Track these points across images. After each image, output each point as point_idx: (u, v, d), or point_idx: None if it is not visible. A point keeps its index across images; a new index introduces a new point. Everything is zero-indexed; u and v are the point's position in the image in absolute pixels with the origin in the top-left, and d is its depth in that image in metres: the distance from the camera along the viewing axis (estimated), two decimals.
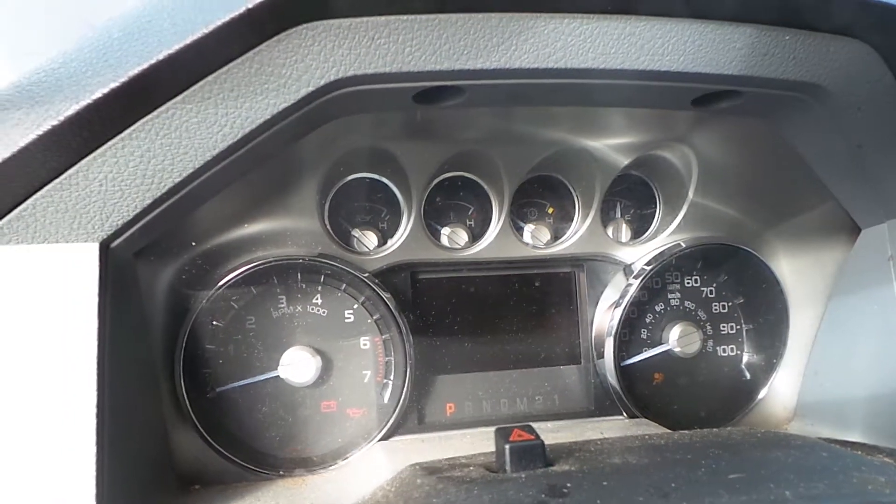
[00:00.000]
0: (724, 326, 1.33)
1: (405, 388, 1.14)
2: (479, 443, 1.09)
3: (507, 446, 0.69)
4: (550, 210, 1.30)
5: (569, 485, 0.60)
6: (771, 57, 0.83)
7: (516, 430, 0.71)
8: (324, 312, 1.15)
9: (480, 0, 0.76)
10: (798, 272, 1.29)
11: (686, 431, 0.84)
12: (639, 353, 1.28)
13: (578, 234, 1.25)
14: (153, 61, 0.68)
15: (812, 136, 0.97)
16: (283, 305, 1.13)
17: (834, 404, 1.15)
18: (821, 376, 1.20)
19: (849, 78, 0.87)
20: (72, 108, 0.71)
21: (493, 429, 0.74)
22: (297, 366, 1.10)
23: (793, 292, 1.29)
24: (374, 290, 1.13)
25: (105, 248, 0.81)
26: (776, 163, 1.12)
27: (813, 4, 0.79)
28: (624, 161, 1.21)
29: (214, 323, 1.09)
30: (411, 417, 1.18)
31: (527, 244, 1.24)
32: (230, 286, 1.08)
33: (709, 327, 1.32)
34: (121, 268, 0.87)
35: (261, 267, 1.08)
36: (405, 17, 0.75)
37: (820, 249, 1.26)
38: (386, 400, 1.16)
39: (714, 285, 1.33)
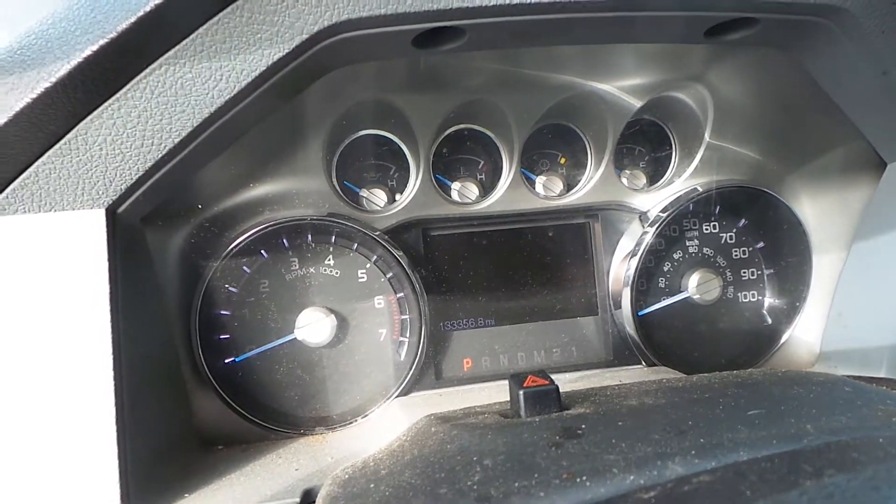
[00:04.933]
0: (744, 272, 1.30)
1: (421, 345, 1.14)
2: (496, 396, 1.08)
3: (520, 392, 0.68)
4: (562, 160, 1.27)
5: (583, 426, 0.59)
6: None
7: (530, 377, 0.70)
8: (337, 273, 1.15)
9: None
10: (821, 213, 1.25)
11: (705, 374, 0.83)
12: (657, 302, 1.25)
13: (592, 182, 1.22)
14: (141, 14, 0.66)
15: (834, 64, 0.92)
16: (295, 267, 1.13)
17: (859, 345, 1.12)
18: (845, 317, 1.17)
19: None
20: (64, 69, 0.69)
21: None
22: (312, 327, 1.10)
23: (816, 234, 1.25)
24: (386, 248, 1.12)
25: (112, 213, 0.81)
26: (796, 98, 1.07)
27: None
28: (637, 104, 1.17)
29: (228, 287, 1.09)
30: (428, 373, 1.18)
31: (539, 195, 1.22)
32: (241, 250, 1.07)
33: (729, 273, 1.29)
34: (129, 234, 0.87)
35: (270, 229, 1.07)
36: None
37: (844, 188, 1.21)
38: (402, 357, 1.16)
39: (734, 230, 1.30)
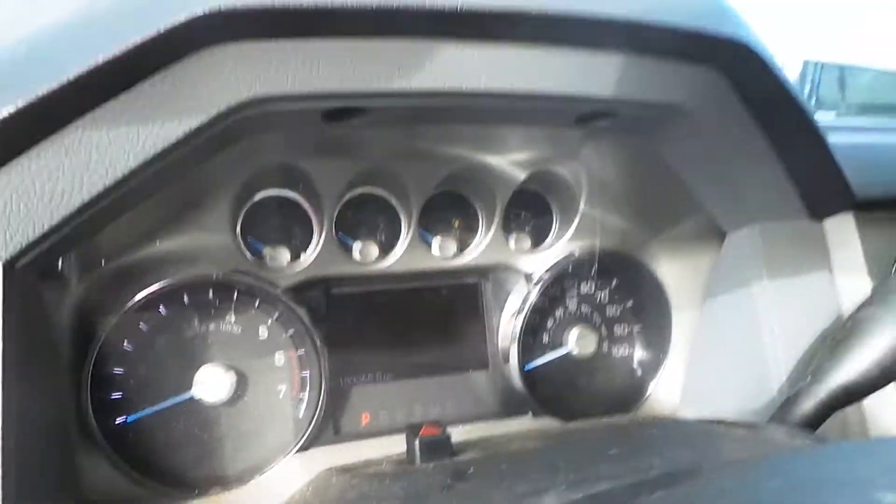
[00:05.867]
0: (617, 328, 1.45)
1: (320, 402, 1.16)
2: (394, 448, 1.12)
3: (416, 441, 0.74)
4: (456, 223, 1.37)
5: (472, 469, 0.66)
6: (637, 81, 0.94)
7: (425, 427, 0.77)
8: (238, 330, 1.16)
9: (385, 26, 0.82)
10: (678, 275, 1.42)
11: (581, 422, 0.93)
12: (541, 356, 1.36)
13: (482, 246, 1.33)
14: (63, 82, 0.69)
15: (679, 150, 1.10)
16: (195, 324, 1.13)
17: (710, 395, 1.28)
18: (699, 371, 1.33)
19: (704, 100, 1.00)
20: None
21: None
22: (211, 384, 1.09)
23: (674, 294, 1.42)
24: (287, 305, 1.15)
25: (9, 267, 0.80)
26: (654, 175, 1.24)
27: (671, 38, 0.91)
28: (521, 176, 1.30)
29: (124, 345, 1.08)
30: (327, 429, 1.20)
31: (435, 257, 1.31)
32: (140, 307, 1.06)
33: (604, 329, 1.43)
34: (25, 289, 0.85)
35: (171, 287, 1.07)
36: (316, 41, 0.80)
37: (697, 254, 1.40)
38: (301, 414, 1.17)
39: (607, 290, 1.45)
